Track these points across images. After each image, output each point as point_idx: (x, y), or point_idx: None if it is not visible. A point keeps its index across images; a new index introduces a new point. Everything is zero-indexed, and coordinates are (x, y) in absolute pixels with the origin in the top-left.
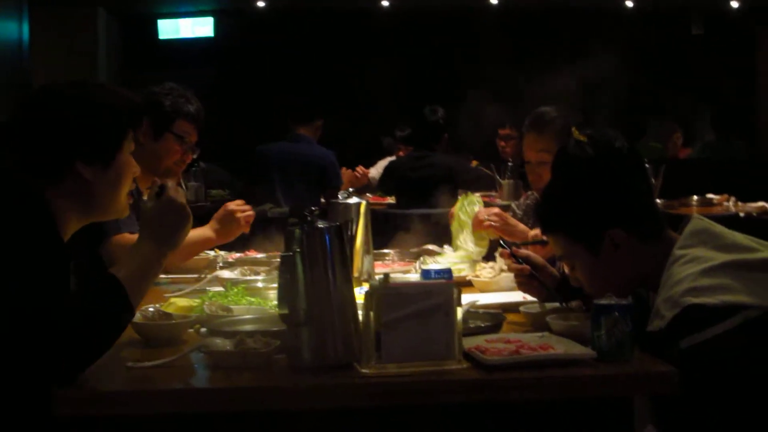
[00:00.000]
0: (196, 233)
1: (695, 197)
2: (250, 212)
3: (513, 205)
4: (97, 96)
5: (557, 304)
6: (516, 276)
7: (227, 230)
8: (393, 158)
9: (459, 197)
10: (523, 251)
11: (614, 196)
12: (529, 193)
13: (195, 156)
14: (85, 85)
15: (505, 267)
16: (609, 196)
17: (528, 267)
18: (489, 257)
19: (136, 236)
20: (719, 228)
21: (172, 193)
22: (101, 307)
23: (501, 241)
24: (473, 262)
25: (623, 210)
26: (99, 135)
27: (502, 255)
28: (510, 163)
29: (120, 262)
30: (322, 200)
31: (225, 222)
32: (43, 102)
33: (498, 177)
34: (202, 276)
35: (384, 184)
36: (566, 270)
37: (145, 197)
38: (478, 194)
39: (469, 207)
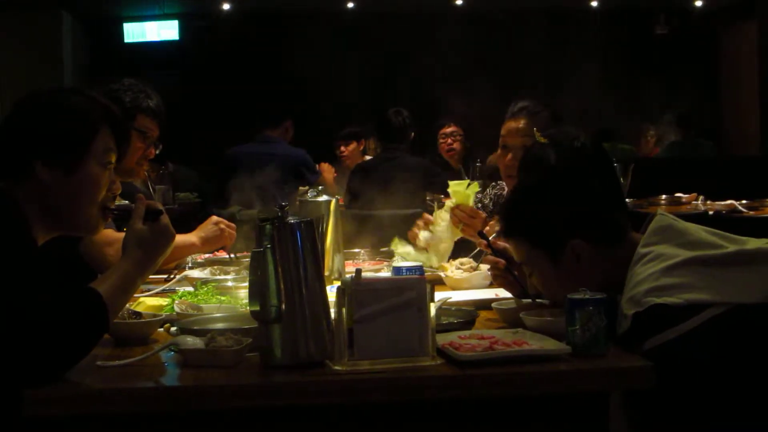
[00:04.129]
0: (180, 239)
1: (664, 196)
2: (233, 232)
3: (481, 196)
4: (66, 100)
5: (530, 301)
6: (491, 268)
7: (211, 240)
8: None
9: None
10: (501, 244)
11: (576, 206)
12: (493, 183)
13: (157, 152)
14: (65, 90)
15: (475, 264)
16: (571, 206)
17: (503, 261)
18: (456, 254)
19: (114, 233)
20: (683, 224)
21: (166, 219)
22: (79, 322)
23: (479, 232)
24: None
25: (585, 220)
26: (60, 136)
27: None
28: (479, 163)
29: (102, 277)
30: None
31: (210, 231)
32: (20, 103)
33: (467, 177)
34: (171, 276)
35: (352, 188)
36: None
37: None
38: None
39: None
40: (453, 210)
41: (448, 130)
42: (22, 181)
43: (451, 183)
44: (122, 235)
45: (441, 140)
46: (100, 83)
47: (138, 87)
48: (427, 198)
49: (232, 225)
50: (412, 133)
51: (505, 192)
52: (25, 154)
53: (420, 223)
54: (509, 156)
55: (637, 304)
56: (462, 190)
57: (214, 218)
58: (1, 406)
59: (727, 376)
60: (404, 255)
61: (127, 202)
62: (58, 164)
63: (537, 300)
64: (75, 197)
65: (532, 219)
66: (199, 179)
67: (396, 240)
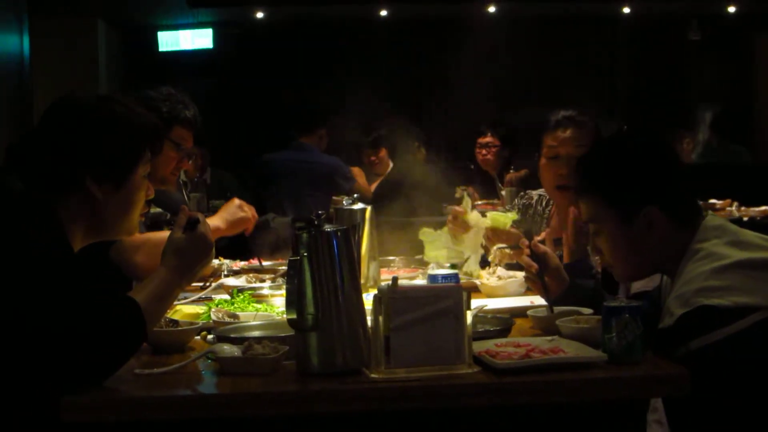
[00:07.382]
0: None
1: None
2: (255, 213)
3: (507, 208)
4: (116, 115)
5: (565, 308)
6: (525, 270)
7: (236, 222)
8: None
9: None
10: (543, 248)
11: (660, 173)
12: (522, 193)
13: (191, 162)
14: (107, 101)
15: (504, 273)
16: (655, 171)
17: (536, 266)
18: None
19: (145, 235)
20: (733, 226)
21: (204, 228)
22: (118, 331)
23: (525, 231)
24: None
25: (665, 189)
26: (112, 154)
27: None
28: (512, 169)
29: (139, 285)
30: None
31: (233, 214)
32: (62, 114)
33: (499, 184)
34: (207, 284)
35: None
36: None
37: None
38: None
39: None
40: (487, 230)
41: (484, 140)
42: (67, 193)
43: (492, 213)
44: (149, 236)
45: (477, 149)
46: (135, 89)
47: (176, 98)
48: (456, 195)
49: (252, 207)
50: (417, 143)
51: (533, 201)
52: (76, 170)
53: (451, 217)
54: (561, 165)
55: (685, 303)
56: (501, 219)
57: (237, 201)
58: (40, 413)
59: None
60: (435, 258)
61: (161, 210)
62: (109, 180)
63: (551, 310)
64: (123, 209)
65: (613, 174)
66: (239, 184)
67: (425, 229)
